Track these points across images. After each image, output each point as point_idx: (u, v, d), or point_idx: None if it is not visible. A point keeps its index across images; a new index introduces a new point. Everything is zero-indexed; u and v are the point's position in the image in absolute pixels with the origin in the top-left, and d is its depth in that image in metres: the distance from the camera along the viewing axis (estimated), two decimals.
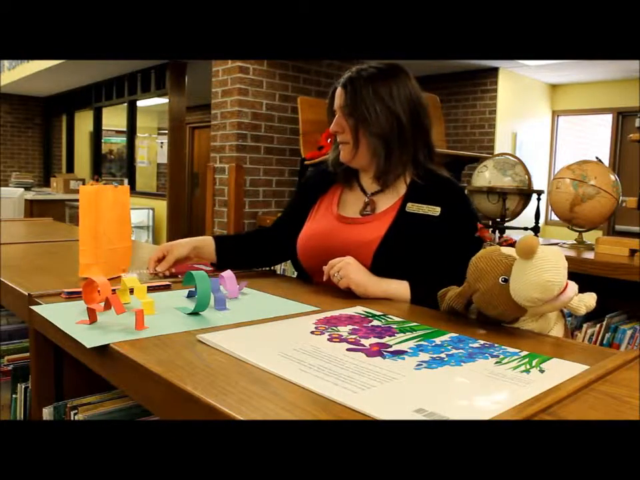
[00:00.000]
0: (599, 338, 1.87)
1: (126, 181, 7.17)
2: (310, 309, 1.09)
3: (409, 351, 0.84)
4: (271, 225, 1.56)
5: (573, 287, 0.96)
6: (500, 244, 1.06)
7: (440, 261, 1.26)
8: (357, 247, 1.28)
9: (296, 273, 1.50)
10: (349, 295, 1.20)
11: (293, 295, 1.19)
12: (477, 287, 0.98)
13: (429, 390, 0.70)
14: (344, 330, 0.94)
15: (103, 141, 8.02)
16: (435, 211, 1.29)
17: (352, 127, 1.32)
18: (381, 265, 1.24)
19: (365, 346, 0.85)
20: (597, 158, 2.24)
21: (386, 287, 1.21)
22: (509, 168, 2.57)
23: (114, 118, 7.72)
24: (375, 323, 1.00)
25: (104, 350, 0.84)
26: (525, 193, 2.55)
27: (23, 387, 1.24)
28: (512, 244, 1.09)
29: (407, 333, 0.93)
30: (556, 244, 2.32)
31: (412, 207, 1.31)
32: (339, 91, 1.35)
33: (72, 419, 1.00)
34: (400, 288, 1.22)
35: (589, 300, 1.01)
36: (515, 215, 2.59)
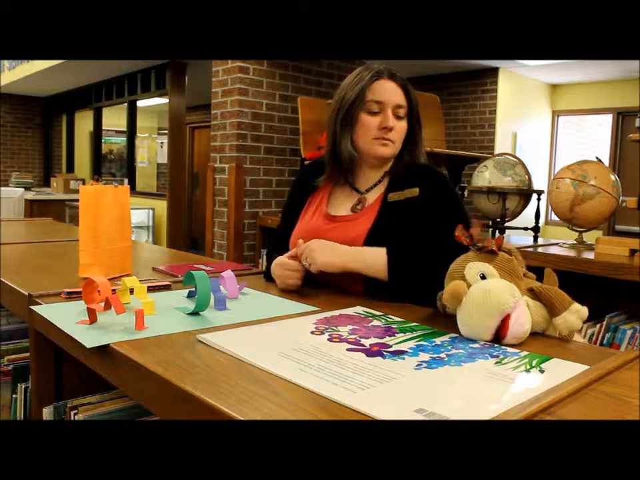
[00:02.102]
0: (599, 338, 1.87)
1: (126, 180, 7.17)
2: (310, 308, 1.09)
3: (409, 350, 0.84)
4: (279, 239, 1.49)
5: (517, 320, 0.89)
6: (480, 249, 0.98)
7: (424, 238, 1.26)
8: (345, 243, 1.28)
9: None
10: (349, 295, 1.20)
11: (292, 295, 1.19)
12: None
13: (428, 390, 0.69)
14: (344, 330, 0.94)
15: (102, 141, 8.01)
16: (414, 192, 1.29)
17: (406, 128, 1.33)
18: None
19: (364, 346, 0.85)
20: (597, 158, 2.24)
21: (356, 259, 1.21)
22: (509, 168, 2.57)
23: (114, 118, 7.71)
24: (375, 322, 1.00)
25: (104, 350, 0.84)
26: (524, 193, 2.55)
27: (23, 387, 1.25)
28: (492, 250, 0.98)
29: (407, 333, 0.93)
30: (556, 244, 2.32)
31: (393, 197, 1.32)
32: (392, 85, 1.32)
33: (72, 418, 1.00)
34: (374, 257, 1.22)
35: (573, 321, 0.92)
36: (515, 215, 2.59)
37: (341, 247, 1.24)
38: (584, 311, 0.92)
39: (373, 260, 1.21)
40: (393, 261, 1.20)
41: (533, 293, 0.96)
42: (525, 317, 0.90)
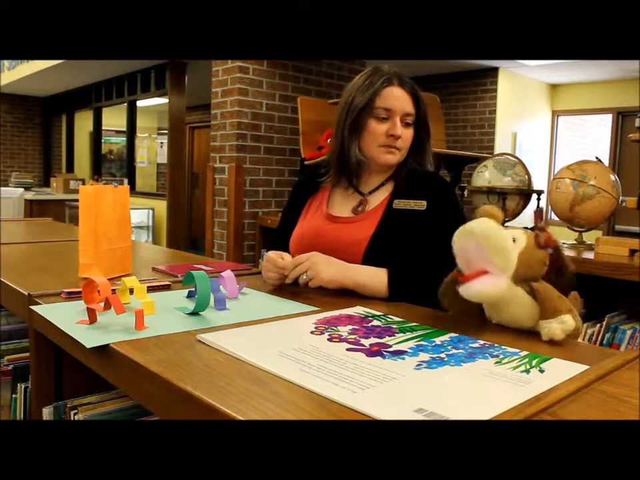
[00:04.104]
0: (599, 338, 1.87)
1: (126, 180, 7.17)
2: (310, 308, 1.09)
3: (408, 351, 0.84)
4: (276, 240, 1.49)
5: (484, 282, 0.91)
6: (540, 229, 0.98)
7: (426, 253, 1.25)
8: (346, 246, 1.28)
9: None
10: (349, 295, 1.20)
11: (292, 295, 1.19)
12: None
13: (428, 390, 0.70)
14: (344, 330, 0.94)
15: (102, 141, 8.02)
16: (422, 205, 1.29)
17: (413, 137, 1.34)
18: (371, 264, 1.24)
19: (364, 346, 0.85)
20: (596, 158, 2.24)
21: (354, 277, 1.20)
22: (509, 168, 2.57)
23: (114, 118, 7.72)
24: (375, 322, 1.00)
25: (104, 350, 0.84)
26: (524, 193, 2.55)
27: (23, 387, 1.24)
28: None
29: (407, 333, 0.93)
30: None
31: (399, 204, 1.31)
32: (402, 92, 1.31)
33: (72, 418, 1.00)
34: (373, 275, 1.21)
35: (556, 331, 0.90)
36: (515, 214, 2.59)
37: (341, 264, 1.21)
38: (569, 324, 0.90)
39: (373, 282, 1.20)
40: (394, 286, 1.20)
41: (530, 289, 0.95)
42: (495, 287, 0.91)
